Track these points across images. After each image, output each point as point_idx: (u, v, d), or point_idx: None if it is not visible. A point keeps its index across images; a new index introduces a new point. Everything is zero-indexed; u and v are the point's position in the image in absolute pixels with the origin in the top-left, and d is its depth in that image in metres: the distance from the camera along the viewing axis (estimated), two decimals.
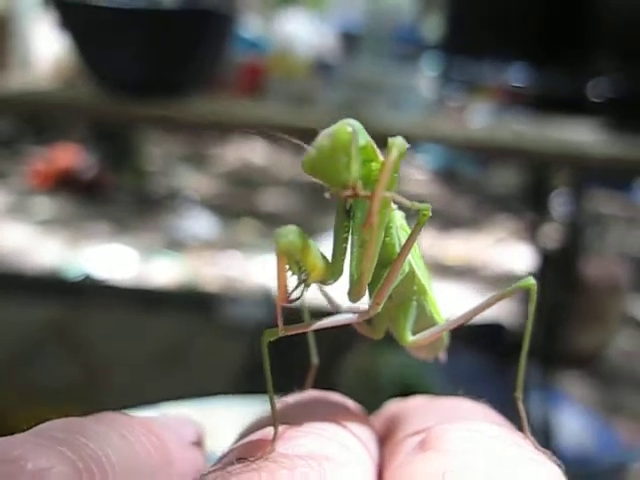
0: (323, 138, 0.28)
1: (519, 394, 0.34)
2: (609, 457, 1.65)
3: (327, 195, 0.29)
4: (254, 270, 2.80)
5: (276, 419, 0.27)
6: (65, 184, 3.47)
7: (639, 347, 2.34)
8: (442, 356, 0.42)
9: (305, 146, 0.28)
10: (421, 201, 0.29)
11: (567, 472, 0.26)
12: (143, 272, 2.73)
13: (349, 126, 0.28)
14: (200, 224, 3.19)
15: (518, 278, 0.33)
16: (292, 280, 0.28)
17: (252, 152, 4.38)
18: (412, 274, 0.34)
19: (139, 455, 0.27)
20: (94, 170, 3.54)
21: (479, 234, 3.35)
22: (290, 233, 0.26)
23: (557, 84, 1.72)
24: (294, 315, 0.31)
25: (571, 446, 1.66)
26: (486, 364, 1.78)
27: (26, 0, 1.74)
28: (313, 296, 0.34)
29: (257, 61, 1.68)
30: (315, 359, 0.41)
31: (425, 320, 0.36)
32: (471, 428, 0.27)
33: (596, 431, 1.73)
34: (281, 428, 0.27)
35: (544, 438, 1.61)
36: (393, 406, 0.35)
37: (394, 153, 0.26)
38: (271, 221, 3.37)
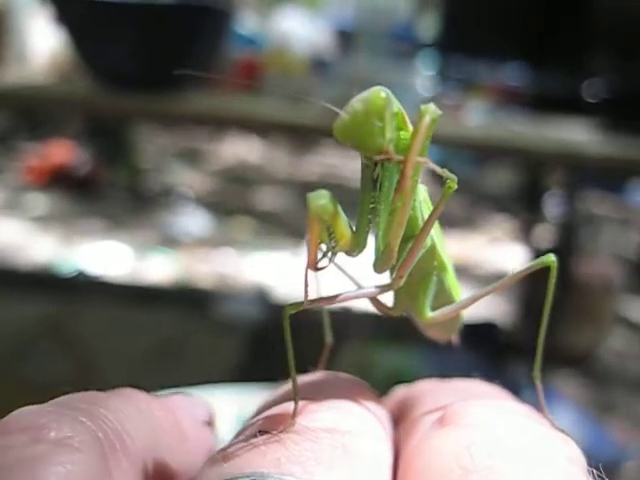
0: (357, 103, 0.28)
1: (537, 374, 0.34)
2: (601, 456, 1.66)
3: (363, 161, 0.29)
4: (248, 267, 2.80)
5: (297, 393, 0.27)
6: (59, 180, 3.46)
7: (631, 347, 2.35)
8: (455, 339, 0.41)
9: (338, 111, 0.28)
10: (453, 172, 0.28)
11: None
12: (137, 269, 2.73)
13: (383, 92, 0.28)
14: (194, 221, 3.19)
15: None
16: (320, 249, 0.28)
17: (247, 149, 4.37)
18: (433, 249, 0.33)
19: (156, 430, 0.27)
20: (88, 166, 3.53)
21: (473, 234, 3.35)
22: (323, 197, 0.26)
23: (553, 84, 1.72)
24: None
25: None
26: (479, 362, 1.78)
27: None
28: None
29: (253, 58, 1.68)
30: (329, 338, 0.41)
31: (444, 296, 0.36)
32: (491, 404, 0.27)
33: (588, 430, 1.73)
34: (300, 403, 0.27)
35: None
36: (402, 390, 0.35)
37: (427, 119, 0.26)
38: (265, 219, 3.37)
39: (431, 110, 0.26)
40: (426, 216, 0.31)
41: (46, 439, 0.23)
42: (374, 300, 0.34)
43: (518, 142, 1.52)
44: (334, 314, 0.41)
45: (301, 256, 2.79)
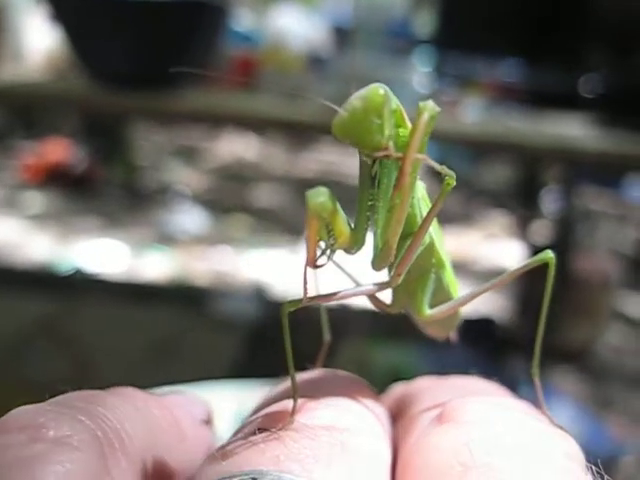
0: (355, 100, 0.28)
1: (536, 370, 0.34)
2: (599, 451, 1.66)
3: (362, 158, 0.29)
4: (245, 265, 2.80)
5: (296, 391, 0.27)
6: (56, 178, 3.45)
7: (629, 342, 2.35)
8: (453, 336, 0.41)
9: (336, 108, 0.28)
10: (450, 168, 0.29)
11: None
12: (134, 266, 2.73)
13: (381, 89, 0.28)
14: (191, 219, 3.18)
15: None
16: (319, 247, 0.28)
17: (244, 147, 4.37)
18: (432, 246, 0.33)
19: (154, 429, 0.28)
20: (85, 164, 3.52)
21: (470, 230, 3.35)
22: (321, 195, 0.26)
23: (549, 80, 1.72)
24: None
25: None
26: (477, 359, 1.78)
27: None
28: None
29: (250, 54, 1.68)
30: (328, 336, 0.41)
31: (442, 294, 0.36)
32: (489, 401, 0.27)
33: (586, 425, 1.73)
34: (299, 401, 0.27)
35: None
36: (400, 387, 0.35)
37: (425, 116, 0.26)
38: (262, 216, 3.37)
39: (430, 107, 0.26)
40: (424, 213, 0.31)
41: (45, 438, 0.23)
42: (372, 298, 0.33)
43: (515, 138, 1.53)
44: (332, 311, 0.41)
45: (299, 253, 2.79)
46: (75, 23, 1.49)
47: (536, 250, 2.11)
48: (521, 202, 2.79)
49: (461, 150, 3.09)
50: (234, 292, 2.44)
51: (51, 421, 0.24)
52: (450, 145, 2.21)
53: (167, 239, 3.01)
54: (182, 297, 2.36)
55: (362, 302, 0.35)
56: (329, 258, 0.28)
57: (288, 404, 0.27)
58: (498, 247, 3.16)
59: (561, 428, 0.27)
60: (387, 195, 0.29)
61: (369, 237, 0.30)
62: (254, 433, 0.25)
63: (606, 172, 2.92)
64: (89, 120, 3.55)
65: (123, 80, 1.47)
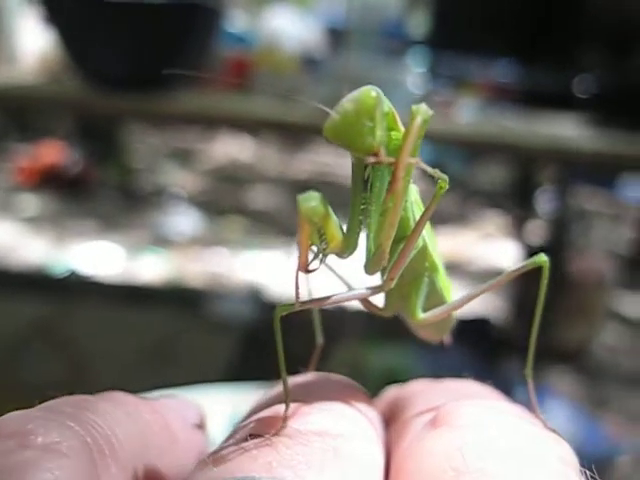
0: (347, 103, 0.27)
1: (529, 372, 0.34)
2: (595, 451, 1.66)
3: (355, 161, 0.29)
4: (240, 266, 2.80)
5: (288, 396, 0.27)
6: (50, 181, 3.44)
7: (624, 342, 2.35)
8: (447, 339, 0.41)
9: (328, 111, 0.28)
10: (443, 171, 0.28)
11: None
12: (129, 268, 2.72)
13: (373, 91, 0.28)
14: (186, 221, 3.18)
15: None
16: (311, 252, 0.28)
17: (238, 148, 4.37)
18: (425, 249, 0.33)
19: (145, 434, 0.27)
20: (79, 167, 3.52)
21: (465, 230, 3.35)
22: (313, 199, 0.26)
23: (543, 80, 1.73)
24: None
25: None
26: (472, 360, 1.78)
27: None
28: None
29: (244, 56, 1.68)
30: (320, 339, 0.41)
31: (436, 297, 0.35)
32: (483, 404, 0.27)
33: (582, 425, 1.74)
34: (292, 406, 0.27)
35: None
36: (394, 390, 0.35)
37: (418, 119, 0.26)
38: (257, 218, 3.37)
39: (422, 110, 0.26)
40: (417, 217, 0.30)
41: (33, 445, 0.23)
42: (365, 301, 0.33)
43: (509, 138, 1.53)
44: (326, 313, 0.41)
45: (293, 255, 2.78)
46: (69, 25, 1.48)
47: (531, 250, 2.11)
48: (516, 202, 2.79)
49: (456, 150, 3.09)
50: (229, 294, 2.44)
51: (40, 427, 0.23)
52: (445, 146, 2.21)
53: (162, 241, 3.00)
54: (177, 299, 2.35)
55: (355, 304, 0.35)
56: (321, 262, 0.28)
57: (280, 409, 0.27)
58: (493, 247, 3.16)
59: (555, 432, 0.27)
60: (380, 199, 0.29)
61: (362, 241, 0.30)
62: (246, 439, 0.25)
63: (600, 172, 2.93)
64: (83, 122, 3.54)
65: (117, 82, 1.47)
